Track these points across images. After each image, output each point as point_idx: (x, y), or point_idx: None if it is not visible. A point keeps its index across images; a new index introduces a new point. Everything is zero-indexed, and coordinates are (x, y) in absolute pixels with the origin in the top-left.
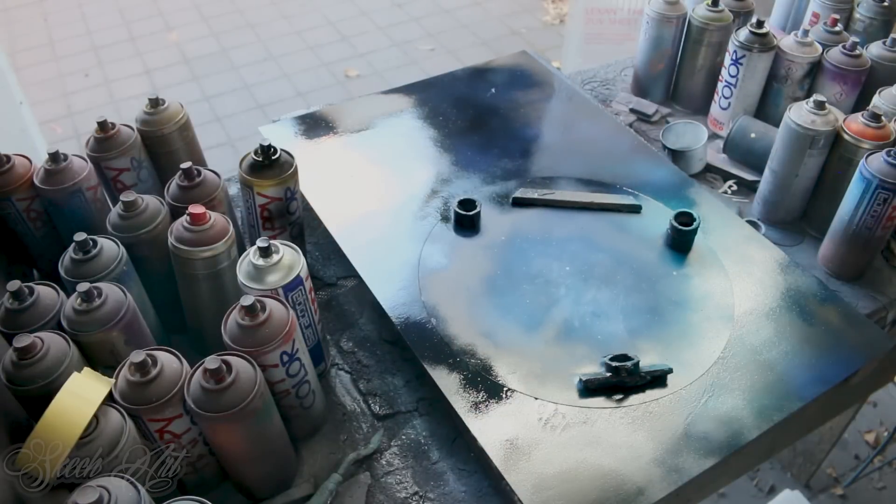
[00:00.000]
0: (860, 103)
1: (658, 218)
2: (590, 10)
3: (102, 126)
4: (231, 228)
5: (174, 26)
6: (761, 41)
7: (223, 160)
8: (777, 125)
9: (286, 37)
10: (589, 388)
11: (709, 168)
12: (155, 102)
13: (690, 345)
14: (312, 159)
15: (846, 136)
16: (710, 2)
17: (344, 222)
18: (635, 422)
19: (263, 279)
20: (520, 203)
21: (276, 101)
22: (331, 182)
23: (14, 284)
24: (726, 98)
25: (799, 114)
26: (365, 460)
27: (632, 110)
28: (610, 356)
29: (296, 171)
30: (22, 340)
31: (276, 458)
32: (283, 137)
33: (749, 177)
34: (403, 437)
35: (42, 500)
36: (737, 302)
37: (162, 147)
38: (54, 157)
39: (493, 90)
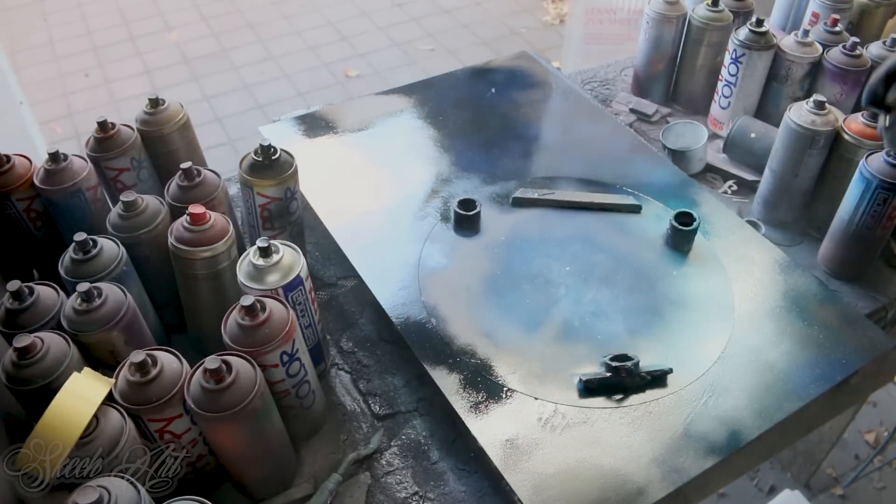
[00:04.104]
0: (860, 103)
1: (658, 218)
2: (590, 10)
3: (102, 126)
4: (231, 228)
5: (174, 26)
6: (761, 40)
7: (223, 160)
8: (777, 125)
9: (286, 37)
10: (589, 388)
11: (709, 168)
12: (155, 102)
13: (690, 345)
14: (312, 159)
15: (846, 136)
16: (710, 2)
17: (344, 222)
18: (635, 422)
19: (263, 279)
20: (520, 203)
21: (276, 101)
22: (331, 182)
23: (14, 284)
24: (726, 98)
25: (799, 114)
26: (365, 460)
27: (632, 110)
28: (610, 356)
29: (296, 171)
30: (22, 340)
31: (276, 458)
32: (283, 137)
33: (749, 177)
34: (403, 437)
35: (42, 500)
36: (737, 302)
37: (162, 147)
38: (54, 157)
39: (493, 90)
